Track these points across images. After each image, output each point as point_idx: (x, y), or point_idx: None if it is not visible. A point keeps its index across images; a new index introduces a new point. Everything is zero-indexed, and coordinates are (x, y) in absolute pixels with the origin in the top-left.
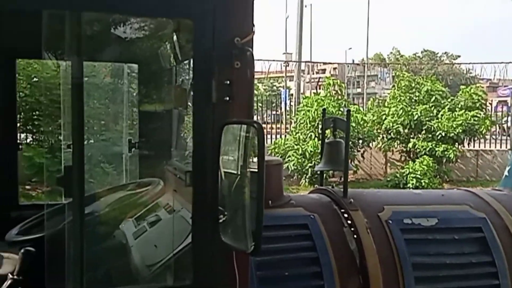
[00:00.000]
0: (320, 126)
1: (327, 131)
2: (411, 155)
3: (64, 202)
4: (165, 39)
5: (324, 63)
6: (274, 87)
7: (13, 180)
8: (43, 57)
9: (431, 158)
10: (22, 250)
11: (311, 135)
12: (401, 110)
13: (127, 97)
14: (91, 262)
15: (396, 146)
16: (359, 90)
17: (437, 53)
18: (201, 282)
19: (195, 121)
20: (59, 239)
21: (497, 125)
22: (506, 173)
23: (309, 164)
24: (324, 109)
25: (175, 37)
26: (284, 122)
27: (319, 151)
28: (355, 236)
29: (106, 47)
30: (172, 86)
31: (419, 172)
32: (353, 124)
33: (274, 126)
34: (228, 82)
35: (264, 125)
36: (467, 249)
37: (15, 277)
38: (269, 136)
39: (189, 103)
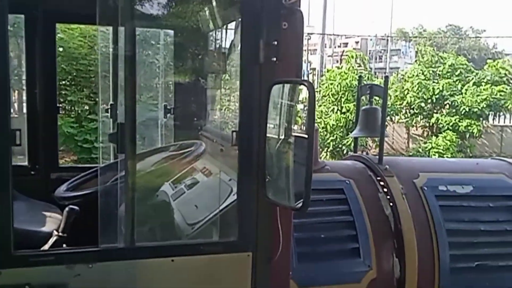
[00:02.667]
0: (342, 100)
1: (363, 98)
2: (434, 130)
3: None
4: (204, 3)
5: (347, 37)
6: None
7: (54, 143)
8: (83, 21)
9: (454, 133)
10: (66, 209)
11: (333, 108)
12: (420, 85)
13: (164, 63)
14: (141, 218)
15: (419, 121)
16: (381, 64)
17: (462, 28)
18: (246, 238)
19: (242, 81)
20: (109, 195)
21: None
22: None
23: (331, 138)
24: (360, 76)
25: (214, 2)
26: None
27: (341, 124)
28: (390, 201)
29: (144, 12)
30: (210, 51)
31: (441, 147)
32: (376, 98)
33: None
34: (275, 42)
35: None
36: (502, 217)
37: (60, 234)
38: None
39: (228, 67)
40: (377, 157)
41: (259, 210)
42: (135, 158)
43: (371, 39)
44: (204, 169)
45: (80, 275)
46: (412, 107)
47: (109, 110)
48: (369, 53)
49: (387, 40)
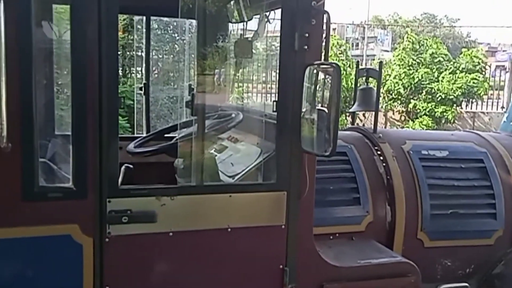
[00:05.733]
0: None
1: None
2: (411, 116)
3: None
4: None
5: None
6: (273, 47)
7: None
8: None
9: (430, 119)
10: (123, 167)
11: None
12: (403, 74)
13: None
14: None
15: (396, 106)
16: (357, 52)
17: (437, 16)
18: (282, 180)
19: (281, 63)
20: (173, 150)
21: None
22: (504, 119)
23: None
24: (357, 62)
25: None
26: None
27: None
28: (383, 162)
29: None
30: (236, 39)
31: None
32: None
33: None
34: (306, 34)
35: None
36: (471, 176)
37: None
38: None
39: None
40: (372, 128)
41: (292, 158)
42: (204, 118)
43: (347, 27)
44: (230, 136)
45: (165, 205)
46: (390, 92)
47: (143, 89)
48: (346, 40)
49: (364, 27)
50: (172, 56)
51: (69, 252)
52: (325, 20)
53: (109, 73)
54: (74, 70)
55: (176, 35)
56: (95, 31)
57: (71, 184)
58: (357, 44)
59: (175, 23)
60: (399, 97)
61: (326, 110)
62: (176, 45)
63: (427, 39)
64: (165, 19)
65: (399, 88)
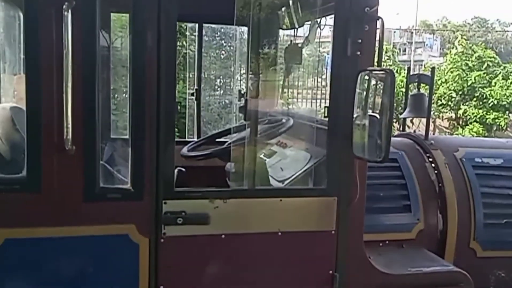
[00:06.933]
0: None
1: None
2: (460, 122)
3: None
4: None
5: None
6: (318, 53)
7: None
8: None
9: (481, 126)
10: (176, 170)
11: None
12: (457, 76)
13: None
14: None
15: (445, 112)
16: (404, 57)
17: (488, 20)
18: (332, 186)
19: (333, 69)
20: (225, 154)
21: None
22: None
23: None
24: (409, 67)
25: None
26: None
27: None
28: (435, 169)
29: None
30: (287, 45)
31: None
32: (403, 90)
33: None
34: (359, 40)
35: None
36: None
37: None
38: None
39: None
40: (423, 134)
41: (342, 164)
42: (257, 124)
43: (395, 32)
44: (279, 142)
45: (218, 207)
46: (440, 98)
47: (194, 94)
48: (393, 45)
49: (411, 32)
50: (219, 62)
51: (126, 251)
52: (378, 26)
53: (167, 79)
54: (134, 76)
55: (223, 41)
56: (154, 38)
57: (129, 185)
58: (404, 50)
59: (221, 30)
60: (449, 103)
61: (377, 116)
62: (222, 51)
63: (475, 44)
64: (213, 25)
65: (451, 93)
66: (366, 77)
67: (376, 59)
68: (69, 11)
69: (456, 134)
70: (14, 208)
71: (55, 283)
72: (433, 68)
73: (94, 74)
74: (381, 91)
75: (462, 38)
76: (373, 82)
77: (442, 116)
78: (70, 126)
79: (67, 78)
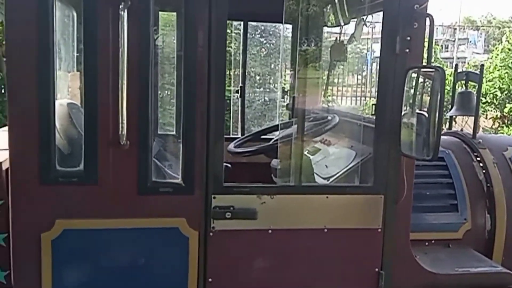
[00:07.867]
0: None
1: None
2: (506, 121)
3: None
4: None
5: None
6: (358, 49)
7: None
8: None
9: None
10: None
11: None
12: (505, 74)
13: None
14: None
15: (490, 110)
16: (447, 54)
17: None
18: (379, 184)
19: (381, 67)
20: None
21: None
22: None
23: None
24: (456, 65)
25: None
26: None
27: None
28: (483, 169)
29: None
30: (332, 43)
31: None
32: (447, 88)
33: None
34: (408, 38)
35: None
36: None
37: None
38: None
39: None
40: (471, 133)
41: (389, 162)
42: (303, 121)
43: (437, 28)
44: (323, 139)
45: (265, 203)
46: (484, 96)
47: (239, 91)
48: (435, 41)
49: (454, 29)
50: (259, 59)
51: (177, 243)
52: (428, 23)
53: (217, 76)
54: (185, 74)
55: (263, 39)
56: (205, 37)
57: (180, 180)
58: (447, 46)
59: (262, 27)
60: (494, 101)
61: (426, 114)
62: (263, 49)
63: None
64: (254, 23)
65: (495, 91)
66: (414, 75)
67: (425, 57)
68: (125, 10)
69: (500, 133)
70: (72, 200)
71: (109, 273)
72: (482, 66)
73: (147, 72)
74: (430, 89)
75: (510, 34)
76: (421, 79)
77: (487, 115)
78: (125, 122)
79: (122, 76)
